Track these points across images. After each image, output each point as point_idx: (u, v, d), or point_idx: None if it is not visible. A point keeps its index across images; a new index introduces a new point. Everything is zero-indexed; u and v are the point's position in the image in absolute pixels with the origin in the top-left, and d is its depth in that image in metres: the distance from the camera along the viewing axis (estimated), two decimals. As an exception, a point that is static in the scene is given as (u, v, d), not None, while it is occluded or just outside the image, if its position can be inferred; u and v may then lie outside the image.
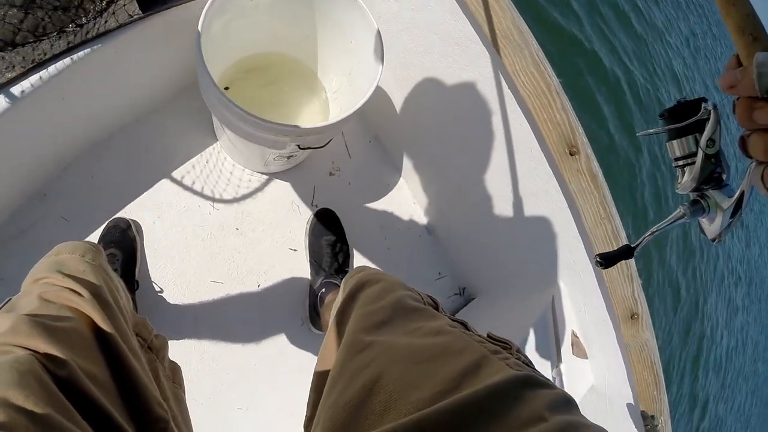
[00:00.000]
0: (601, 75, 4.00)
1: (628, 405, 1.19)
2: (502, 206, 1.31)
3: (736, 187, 0.49)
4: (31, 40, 0.94)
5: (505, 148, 1.23)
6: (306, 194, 1.46)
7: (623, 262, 1.17)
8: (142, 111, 1.34)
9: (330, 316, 0.78)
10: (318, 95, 1.41)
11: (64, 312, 0.61)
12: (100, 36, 1.00)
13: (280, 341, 1.36)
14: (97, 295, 0.64)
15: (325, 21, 1.23)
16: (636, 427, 1.17)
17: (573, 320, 1.26)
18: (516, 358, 0.55)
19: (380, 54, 1.10)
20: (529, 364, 0.57)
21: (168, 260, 1.30)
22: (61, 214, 1.26)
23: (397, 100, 1.45)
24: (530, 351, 1.22)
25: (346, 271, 1.37)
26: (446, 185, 1.46)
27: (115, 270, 1.18)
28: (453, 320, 0.64)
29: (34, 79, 0.96)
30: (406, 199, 1.59)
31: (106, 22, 1.01)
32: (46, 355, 0.52)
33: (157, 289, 1.29)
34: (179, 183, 1.34)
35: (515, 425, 0.44)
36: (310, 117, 1.38)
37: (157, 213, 1.32)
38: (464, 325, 0.63)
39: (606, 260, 0.61)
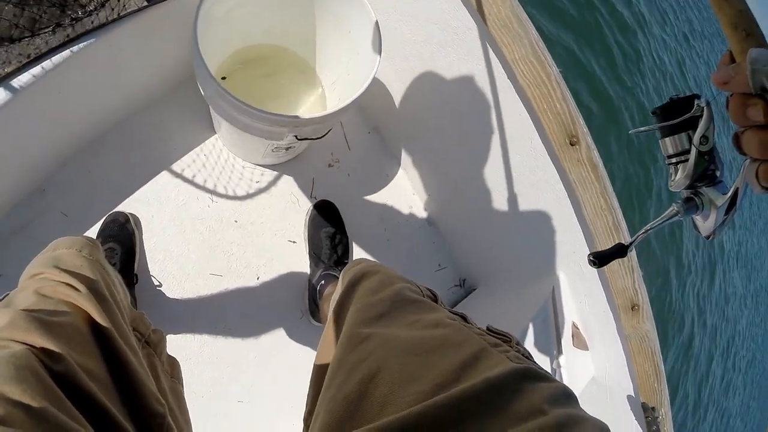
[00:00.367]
0: (593, 72, 3.97)
1: (629, 396, 1.18)
2: (502, 197, 1.29)
3: (730, 184, 0.49)
4: (27, 35, 0.93)
5: (505, 138, 1.22)
6: (305, 186, 1.45)
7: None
8: (140, 105, 1.34)
9: (329, 309, 0.77)
10: (315, 87, 1.39)
11: (61, 307, 0.60)
12: (95, 29, 0.99)
13: (280, 334, 1.35)
14: (93, 289, 0.64)
15: (323, 12, 1.21)
16: (636, 419, 1.17)
17: (573, 311, 1.25)
18: (516, 351, 0.55)
19: (378, 45, 1.09)
20: (528, 356, 0.57)
21: (167, 254, 1.30)
22: (60, 210, 1.25)
23: (396, 91, 1.43)
24: (531, 342, 1.22)
25: (346, 263, 1.36)
26: (446, 176, 1.45)
27: (114, 264, 1.18)
28: (452, 313, 0.64)
29: (30, 74, 0.95)
30: (406, 191, 1.58)
31: (99, 14, 0.99)
32: (43, 350, 0.52)
33: (156, 283, 1.28)
34: (177, 176, 1.34)
35: (514, 418, 0.43)
36: (308, 108, 1.37)
37: (155, 207, 1.31)
38: (463, 317, 0.63)
39: (599, 259, 0.60)
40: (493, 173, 1.28)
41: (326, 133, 1.17)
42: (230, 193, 1.38)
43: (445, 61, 1.23)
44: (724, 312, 5.52)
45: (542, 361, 1.23)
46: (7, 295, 0.66)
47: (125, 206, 1.29)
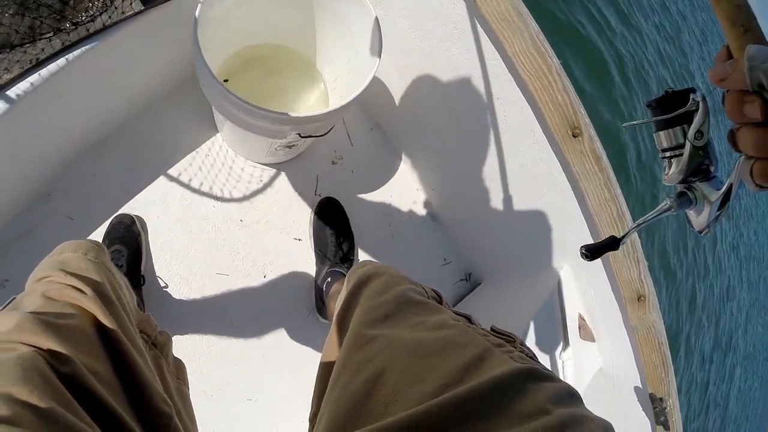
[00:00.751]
0: (591, 61, 3.95)
1: (636, 388, 1.18)
2: (506, 190, 1.29)
3: (724, 179, 0.48)
4: (28, 41, 0.92)
5: (508, 131, 1.22)
6: (309, 184, 1.46)
7: (629, 242, 1.16)
8: (142, 106, 1.34)
9: (334, 310, 0.78)
10: (317, 84, 1.39)
11: (68, 309, 0.61)
12: (95, 34, 1.00)
13: (287, 331, 1.36)
14: (99, 292, 0.65)
15: (323, 10, 1.21)
16: (644, 410, 1.16)
17: (579, 303, 1.25)
18: (519, 351, 0.56)
19: (378, 41, 1.09)
20: (532, 357, 0.58)
21: (173, 254, 1.30)
22: (65, 213, 1.25)
23: (397, 87, 1.43)
24: (538, 335, 1.21)
25: (351, 260, 1.36)
26: (449, 171, 1.44)
27: (121, 266, 1.18)
28: (457, 314, 0.65)
29: (32, 79, 0.95)
30: (410, 186, 1.58)
31: (100, 18, 0.98)
32: (50, 352, 0.53)
33: (163, 284, 1.28)
34: (182, 177, 1.33)
35: (518, 418, 0.44)
36: (311, 106, 1.37)
37: (161, 208, 1.31)
38: (468, 318, 0.64)
39: (591, 252, 0.59)
40: (496, 167, 1.28)
41: (329, 131, 1.16)
42: (235, 192, 1.38)
43: (446, 55, 1.22)
44: (725, 301, 5.50)
45: (549, 353, 1.22)
46: (14, 298, 0.67)
47: (130, 208, 1.30)
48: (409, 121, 1.48)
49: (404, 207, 1.56)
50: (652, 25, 5.46)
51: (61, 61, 0.97)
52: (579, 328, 1.25)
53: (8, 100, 0.93)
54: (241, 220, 1.37)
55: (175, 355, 0.84)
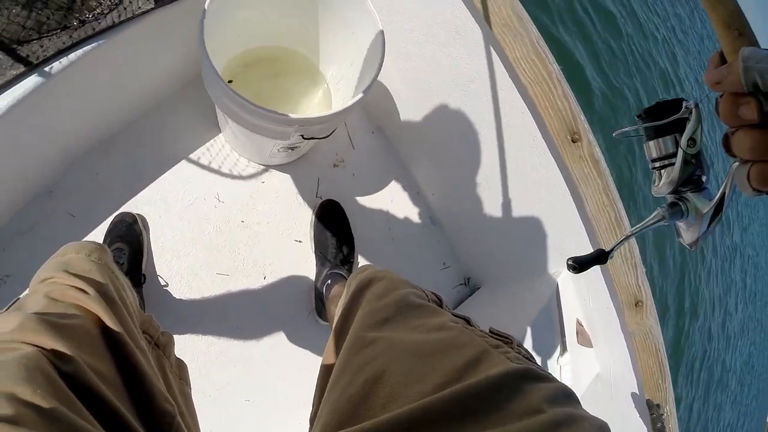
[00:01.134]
0: (584, 73, 3.97)
1: (633, 393, 1.18)
2: (505, 195, 1.30)
3: (715, 192, 0.48)
4: (35, 38, 0.94)
5: (508, 136, 1.24)
6: (310, 186, 1.48)
7: (627, 247, 1.16)
8: (147, 106, 1.36)
9: (335, 313, 0.79)
10: (320, 87, 1.41)
11: (71, 310, 0.62)
12: (103, 31, 1.02)
13: (287, 333, 1.37)
14: (103, 293, 0.66)
15: (327, 12, 1.24)
16: (641, 416, 1.17)
17: (577, 308, 1.26)
18: (516, 352, 0.56)
19: (381, 44, 1.10)
20: (529, 358, 0.58)
21: (174, 254, 1.31)
22: (67, 210, 1.27)
23: (399, 91, 1.44)
24: (535, 339, 1.22)
25: (351, 262, 1.37)
26: (449, 175, 1.46)
27: (122, 264, 1.19)
28: (456, 316, 0.66)
29: (38, 76, 0.97)
30: (410, 190, 1.59)
31: (109, 15, 0.99)
32: (53, 352, 0.53)
33: (163, 282, 1.30)
34: (184, 176, 1.34)
35: (513, 416, 0.45)
36: (313, 108, 1.39)
37: (162, 207, 1.33)
38: (467, 320, 0.65)
39: (579, 265, 0.59)
40: (496, 171, 1.29)
41: (331, 133, 1.17)
42: (237, 193, 1.40)
43: (448, 60, 1.24)
44: (724, 306, 5.49)
45: (547, 358, 1.23)
46: (18, 299, 0.67)
47: (133, 207, 1.31)
48: (410, 125, 1.49)
49: (404, 210, 1.57)
50: (648, 37, 5.48)
51: (68, 59, 0.99)
52: (577, 333, 1.25)
53: (14, 96, 0.95)
54: (243, 221, 1.38)
55: (175, 354, 0.85)
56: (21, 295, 0.68)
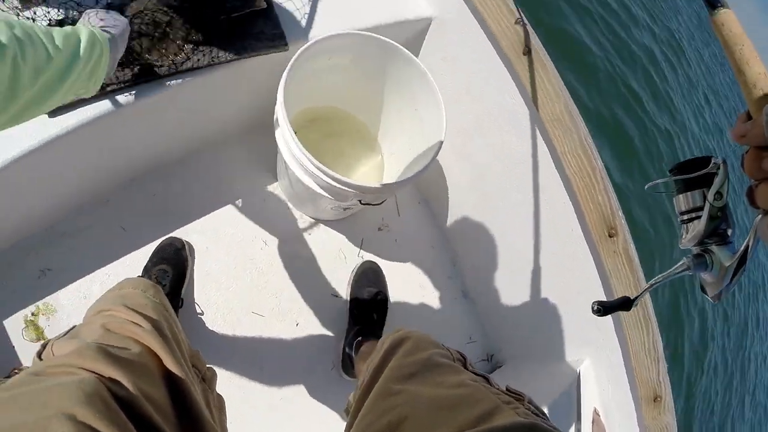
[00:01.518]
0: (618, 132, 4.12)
1: (644, 490, 1.19)
2: (538, 279, 1.39)
3: (739, 247, 0.50)
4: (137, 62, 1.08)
5: (548, 223, 1.34)
6: (354, 245, 1.60)
7: (651, 345, 1.22)
8: (214, 141, 1.51)
9: (366, 370, 0.85)
10: (375, 153, 1.55)
11: (127, 342, 0.67)
12: (192, 69, 1.14)
13: (309, 382, 1.44)
14: (157, 328, 0.71)
15: (394, 86, 1.38)
16: None
17: (596, 397, 1.30)
18: (526, 408, 0.62)
19: (443, 126, 1.23)
20: (539, 414, 0.64)
21: (214, 285, 1.40)
22: (119, 223, 1.39)
23: (450, 167, 1.57)
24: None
25: (383, 324, 1.46)
26: (487, 254, 1.56)
27: (164, 285, 1.28)
28: (476, 374, 0.73)
29: (127, 94, 1.09)
30: (447, 262, 1.72)
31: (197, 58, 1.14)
32: (110, 379, 0.58)
33: (199, 310, 1.37)
34: (237, 215, 1.44)
35: None
36: (366, 173, 1.51)
37: (211, 239, 1.44)
38: (486, 378, 0.72)
39: (605, 309, 0.62)
40: (532, 255, 1.39)
41: (384, 201, 1.28)
42: (284, 240, 1.52)
43: (499, 144, 1.37)
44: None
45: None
46: (74, 327, 0.74)
47: (183, 233, 1.43)
48: (455, 202, 1.63)
49: (439, 281, 1.68)
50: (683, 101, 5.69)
51: (159, 84, 1.12)
52: (593, 422, 1.29)
53: (102, 106, 1.07)
54: (285, 267, 1.48)
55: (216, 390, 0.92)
56: (77, 325, 0.74)
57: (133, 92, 1.10)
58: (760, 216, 0.42)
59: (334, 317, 1.50)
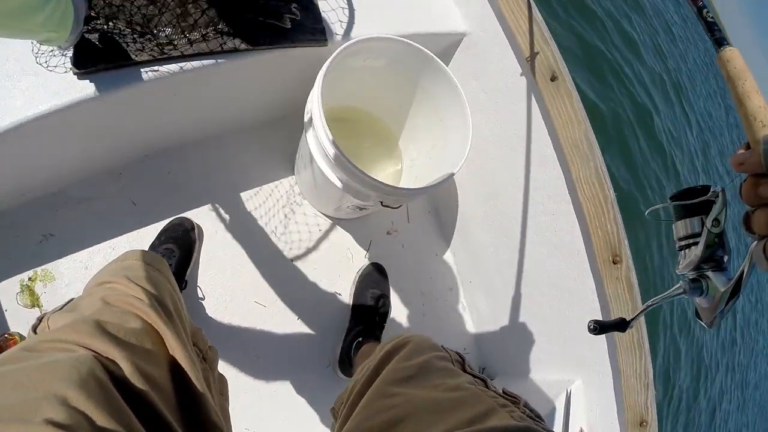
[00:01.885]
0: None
1: None
2: (538, 298, 1.46)
3: (734, 274, 0.52)
4: (165, 38, 1.11)
5: (554, 245, 1.41)
6: (362, 246, 1.67)
7: (642, 371, 1.29)
8: (235, 128, 1.56)
9: (360, 372, 0.87)
10: (394, 159, 1.62)
11: (127, 316, 0.65)
12: (227, 52, 1.17)
13: (303, 377, 1.49)
14: (160, 302, 0.70)
15: (422, 95, 1.46)
16: None
17: (583, 417, 1.36)
18: (521, 412, 0.64)
19: (468, 139, 1.30)
20: (534, 417, 0.66)
21: (220, 271, 1.43)
22: (130, 197, 1.41)
23: (463, 181, 1.65)
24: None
25: (383, 326, 1.53)
26: (488, 270, 1.64)
27: (170, 265, 1.27)
28: (474, 377, 0.74)
29: (157, 69, 1.11)
30: (450, 273, 1.80)
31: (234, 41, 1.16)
32: (107, 356, 0.57)
33: (201, 295, 1.39)
34: (251, 203, 1.48)
35: None
36: (385, 178, 1.60)
37: (222, 224, 1.49)
38: (485, 381, 0.74)
39: (601, 327, 0.65)
40: (534, 274, 1.46)
41: (401, 205, 1.33)
42: (294, 233, 1.58)
43: (515, 163, 1.45)
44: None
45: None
46: (72, 300, 0.72)
47: (193, 215, 1.45)
48: (465, 214, 1.72)
49: (441, 291, 1.76)
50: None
51: (190, 64, 1.15)
52: (578, 441, 1.35)
53: (129, 78, 1.08)
54: (292, 260, 1.54)
55: (218, 370, 0.92)
56: (75, 297, 0.72)
57: (168, 67, 1.12)
58: (754, 243, 0.45)
59: (335, 315, 1.55)
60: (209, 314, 1.40)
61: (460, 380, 0.70)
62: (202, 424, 0.65)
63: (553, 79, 1.30)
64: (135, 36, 1.08)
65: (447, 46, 1.53)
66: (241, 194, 1.52)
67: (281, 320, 1.48)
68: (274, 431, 1.39)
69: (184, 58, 1.13)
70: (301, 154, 1.45)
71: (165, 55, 1.11)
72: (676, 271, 0.59)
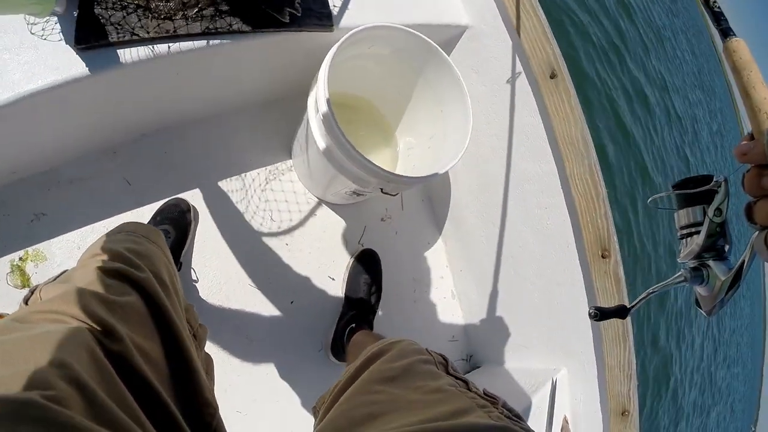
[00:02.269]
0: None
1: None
2: (527, 288, 1.53)
3: (735, 264, 0.54)
4: (165, 15, 1.11)
5: (545, 237, 1.47)
6: (356, 232, 1.71)
7: (626, 362, 1.36)
8: (233, 109, 1.58)
9: (345, 373, 0.88)
10: (391, 147, 1.67)
11: (123, 288, 0.65)
12: (230, 32, 1.18)
13: (295, 360, 1.53)
14: (156, 274, 0.70)
15: (425, 85, 1.50)
16: None
17: (567, 406, 1.44)
18: (500, 412, 0.65)
19: (467, 131, 1.34)
20: (512, 417, 0.67)
21: (214, 253, 1.46)
22: (124, 176, 1.42)
23: (457, 171, 1.70)
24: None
25: (375, 312, 1.58)
26: (480, 259, 1.71)
27: None
28: (457, 378, 0.76)
29: (161, 47, 1.12)
30: (441, 261, 1.86)
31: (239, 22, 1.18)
32: (101, 328, 0.57)
33: (194, 277, 1.41)
34: (247, 186, 1.50)
35: None
36: (379, 164, 1.56)
37: (217, 206, 1.51)
38: (466, 382, 0.75)
39: (602, 314, 0.66)
40: (524, 265, 1.53)
41: (398, 193, 1.36)
42: (289, 216, 1.62)
43: (507, 155, 1.49)
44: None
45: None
46: (66, 271, 0.73)
47: (188, 196, 1.46)
48: (457, 204, 1.78)
49: (431, 278, 1.82)
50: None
51: (193, 44, 1.15)
52: (561, 429, 1.42)
53: (131, 55, 1.09)
54: (287, 244, 1.58)
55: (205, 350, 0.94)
56: (69, 269, 0.73)
57: (172, 46, 1.13)
58: (756, 234, 0.46)
59: (328, 300, 1.60)
60: (202, 296, 1.43)
61: (441, 382, 0.71)
62: (196, 401, 0.65)
63: (552, 76, 1.35)
64: (139, 13, 1.09)
65: (449, 37, 1.58)
66: (238, 176, 1.55)
67: (274, 303, 1.52)
68: (266, 413, 1.44)
69: (189, 37, 1.15)
70: (300, 138, 1.48)
71: (170, 34, 1.11)
72: (678, 259, 0.60)
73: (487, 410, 0.64)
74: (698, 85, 9.15)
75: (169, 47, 1.13)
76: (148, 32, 1.09)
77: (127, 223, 0.87)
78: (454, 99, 1.42)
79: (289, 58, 1.42)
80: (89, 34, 1.04)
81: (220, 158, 1.53)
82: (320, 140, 1.24)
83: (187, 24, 1.14)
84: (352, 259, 1.63)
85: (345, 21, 1.35)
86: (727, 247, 0.56)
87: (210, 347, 1.40)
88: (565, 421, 1.45)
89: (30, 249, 1.26)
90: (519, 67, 1.42)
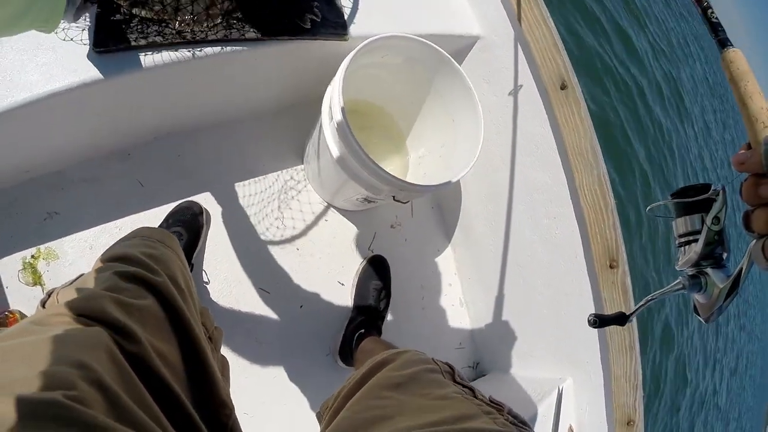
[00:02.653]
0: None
1: None
2: (535, 297, 1.56)
3: (733, 271, 0.54)
4: (184, 21, 1.14)
5: (553, 247, 1.50)
6: (366, 238, 1.76)
7: (632, 373, 1.38)
8: (247, 115, 1.63)
9: (349, 380, 0.90)
10: (402, 156, 1.69)
11: (139, 292, 0.66)
12: (249, 40, 1.22)
13: (303, 363, 1.57)
14: (172, 278, 0.72)
15: (436, 95, 1.54)
16: None
17: (573, 415, 1.45)
18: (505, 419, 0.67)
19: (478, 141, 1.37)
20: (517, 423, 0.68)
21: (225, 256, 1.50)
22: (137, 178, 1.46)
23: (468, 180, 1.73)
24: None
25: (383, 318, 1.62)
26: (488, 267, 1.75)
27: None
28: (464, 386, 0.77)
29: (178, 53, 1.16)
30: (450, 269, 1.90)
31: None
32: (119, 330, 0.58)
33: (206, 279, 1.44)
34: (259, 191, 1.54)
35: None
36: (390, 172, 1.60)
37: (229, 210, 1.56)
38: (472, 390, 0.77)
39: (601, 321, 0.68)
40: (532, 274, 1.56)
41: (409, 201, 1.39)
42: (300, 222, 1.66)
43: (521, 168, 1.53)
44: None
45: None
46: (82, 275, 0.75)
47: (201, 199, 1.50)
48: (467, 213, 1.82)
49: (440, 286, 1.86)
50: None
51: (212, 50, 1.19)
52: (566, 438, 1.44)
53: (147, 60, 1.12)
54: (297, 249, 1.62)
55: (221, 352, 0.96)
56: (85, 272, 0.75)
57: (189, 52, 1.16)
58: (753, 242, 0.47)
59: (337, 305, 1.64)
60: (213, 298, 1.47)
61: (447, 390, 0.73)
62: (212, 402, 0.67)
63: (563, 87, 1.38)
64: (157, 18, 1.12)
65: (460, 48, 1.62)
66: (250, 180, 1.59)
67: (284, 307, 1.56)
68: (273, 416, 1.47)
69: (206, 43, 1.18)
70: (313, 145, 1.51)
71: (187, 39, 1.15)
72: (676, 268, 0.61)
73: (493, 416, 0.66)
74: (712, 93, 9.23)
75: (188, 53, 1.17)
76: (165, 38, 1.12)
77: (142, 228, 0.90)
78: (465, 108, 1.45)
79: (303, 65, 1.45)
80: (107, 39, 1.08)
81: (232, 162, 1.58)
82: (334, 148, 1.27)
83: (206, 30, 1.18)
84: (362, 265, 1.66)
85: (358, 30, 1.39)
86: (725, 255, 0.57)
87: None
88: (571, 430, 1.47)
89: (42, 247, 1.30)
90: (529, 78, 1.45)
